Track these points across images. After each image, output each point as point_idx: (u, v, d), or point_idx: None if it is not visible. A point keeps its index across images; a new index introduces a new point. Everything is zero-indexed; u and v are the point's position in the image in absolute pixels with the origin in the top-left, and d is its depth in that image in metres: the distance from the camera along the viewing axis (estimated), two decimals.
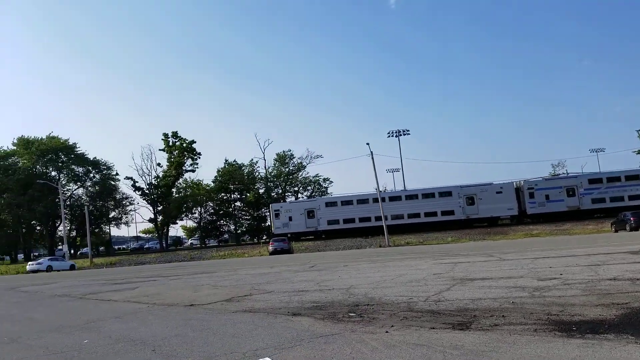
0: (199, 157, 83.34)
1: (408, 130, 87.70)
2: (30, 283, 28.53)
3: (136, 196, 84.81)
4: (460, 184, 58.26)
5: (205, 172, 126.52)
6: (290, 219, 60.18)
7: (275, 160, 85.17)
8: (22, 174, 75.96)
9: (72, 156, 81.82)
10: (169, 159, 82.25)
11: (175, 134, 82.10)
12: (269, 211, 66.19)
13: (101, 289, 19.77)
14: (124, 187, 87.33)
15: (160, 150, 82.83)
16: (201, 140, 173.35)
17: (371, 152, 46.60)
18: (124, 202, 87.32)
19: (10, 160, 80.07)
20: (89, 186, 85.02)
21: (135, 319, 10.95)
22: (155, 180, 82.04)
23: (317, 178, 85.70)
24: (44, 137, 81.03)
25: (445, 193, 57.15)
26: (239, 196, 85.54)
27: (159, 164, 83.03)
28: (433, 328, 7.68)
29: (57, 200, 68.44)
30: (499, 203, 54.75)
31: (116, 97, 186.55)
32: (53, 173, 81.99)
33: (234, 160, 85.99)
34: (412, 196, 58.67)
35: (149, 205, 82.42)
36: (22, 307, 15.79)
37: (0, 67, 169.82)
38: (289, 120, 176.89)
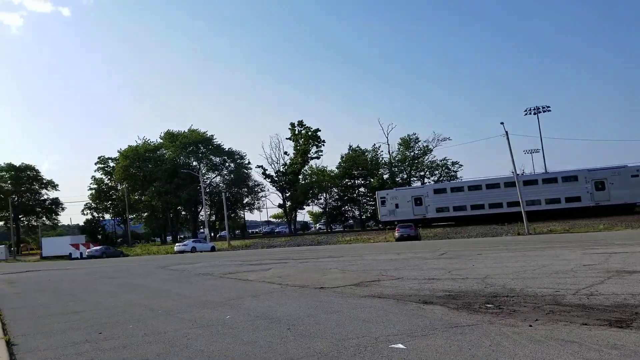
0: (324, 145, 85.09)
1: (548, 107, 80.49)
2: (177, 262, 31.44)
3: (266, 183, 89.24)
4: (587, 167, 52.58)
5: (330, 159, 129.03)
6: (396, 206, 58.02)
7: (400, 144, 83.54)
8: (169, 164, 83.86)
9: (210, 147, 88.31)
10: (295, 147, 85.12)
11: (300, 123, 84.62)
12: (376, 198, 64.06)
13: (238, 269, 21.11)
14: (256, 175, 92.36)
15: (287, 139, 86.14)
16: (325, 128, 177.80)
17: (506, 131, 43.18)
18: (256, 189, 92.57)
19: (158, 152, 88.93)
20: (225, 174, 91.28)
21: (270, 299, 11.45)
22: (283, 168, 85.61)
23: (445, 162, 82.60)
24: (186, 130, 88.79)
25: (570, 178, 51.79)
26: (362, 182, 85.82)
27: (285, 153, 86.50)
28: (585, 324, 6.94)
29: (199, 187, 74.63)
30: (635, 188, 48.47)
31: (245, 93, 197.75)
32: (194, 163, 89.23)
33: (357, 146, 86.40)
34: (531, 181, 53.30)
35: (278, 192, 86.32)
36: (173, 283, 17.38)
37: (152, 74, 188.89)
38: (413, 103, 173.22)
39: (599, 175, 50.58)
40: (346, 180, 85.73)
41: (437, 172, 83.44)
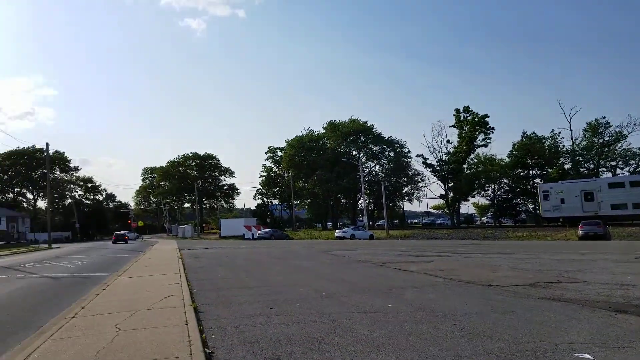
0: (492, 132, 79.98)
1: None
2: (338, 248, 32.45)
3: (427, 173, 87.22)
4: None
5: (501, 148, 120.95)
6: (562, 201, 51.49)
7: (585, 130, 73.51)
8: (330, 153, 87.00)
9: (370, 136, 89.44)
10: (459, 135, 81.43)
11: (467, 109, 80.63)
12: (537, 192, 57.62)
13: (398, 259, 20.95)
14: (416, 164, 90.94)
15: (450, 126, 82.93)
16: (495, 114, 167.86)
17: None
18: (415, 179, 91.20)
19: (321, 142, 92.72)
20: (385, 163, 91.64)
21: (433, 291, 11.09)
22: (445, 157, 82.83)
23: None
24: (347, 120, 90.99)
25: None
26: (538, 172, 78.63)
27: (449, 141, 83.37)
28: None
29: (358, 176, 76.11)
30: None
31: (404, 79, 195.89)
32: (354, 152, 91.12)
33: (533, 133, 79.32)
34: None
35: (439, 182, 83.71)
36: (334, 268, 17.93)
37: (318, 67, 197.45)
38: (603, 81, 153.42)
39: None
40: (519, 170, 79.52)
41: (632, 162, 72.87)
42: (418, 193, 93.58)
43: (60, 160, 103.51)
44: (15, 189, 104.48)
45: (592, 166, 73.94)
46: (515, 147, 78.67)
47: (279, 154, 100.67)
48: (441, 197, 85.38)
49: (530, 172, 79.21)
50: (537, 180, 74.69)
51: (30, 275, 18.90)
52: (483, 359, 5.65)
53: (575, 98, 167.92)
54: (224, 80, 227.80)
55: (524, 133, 79.55)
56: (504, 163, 79.83)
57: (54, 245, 55.19)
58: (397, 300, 9.87)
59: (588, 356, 5.67)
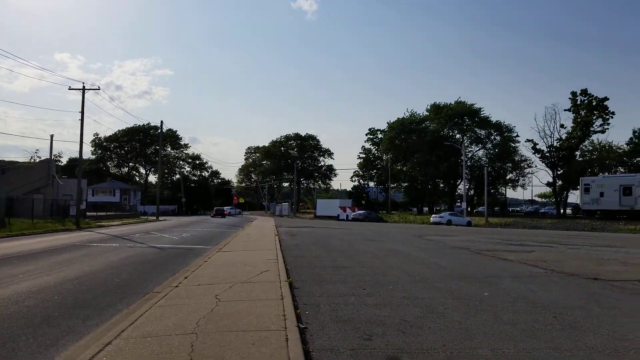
0: (612, 117, 73.35)
1: None
2: (433, 233, 31.86)
3: (535, 159, 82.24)
4: None
5: (619, 135, 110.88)
6: (601, 194, 52.34)
7: None
8: (431, 136, 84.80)
9: (477, 120, 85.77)
10: (574, 119, 75.65)
11: (584, 92, 74.52)
12: (579, 184, 57.78)
13: (496, 247, 20.19)
14: (523, 150, 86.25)
15: (565, 110, 77.28)
16: (615, 97, 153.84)
17: None
18: (522, 165, 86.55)
19: (423, 124, 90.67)
20: (490, 148, 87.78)
21: (532, 282, 10.62)
22: (557, 143, 77.55)
23: None
24: (453, 102, 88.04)
25: None
26: None
27: (562, 125, 77.86)
28: None
29: (460, 160, 73.68)
30: None
31: (515, 60, 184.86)
32: (457, 135, 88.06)
33: None
34: None
35: (547, 169, 78.68)
36: (428, 253, 17.69)
37: (422, 46, 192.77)
38: None
39: None
40: (638, 158, 72.86)
41: None
42: (523, 180, 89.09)
43: (172, 138, 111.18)
44: (130, 164, 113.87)
45: None
46: (637, 134, 71.80)
47: (379, 136, 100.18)
48: (548, 184, 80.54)
49: None
50: None
51: (139, 245, 20.58)
52: (583, 354, 5.38)
53: None
54: (330, 63, 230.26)
55: None
56: (622, 150, 73.27)
57: (161, 218, 59.72)
58: (493, 289, 9.59)
59: None
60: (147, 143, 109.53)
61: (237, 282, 9.88)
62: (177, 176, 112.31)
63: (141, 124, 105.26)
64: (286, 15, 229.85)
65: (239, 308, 7.41)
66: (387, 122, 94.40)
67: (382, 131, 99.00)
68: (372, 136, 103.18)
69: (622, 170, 73.02)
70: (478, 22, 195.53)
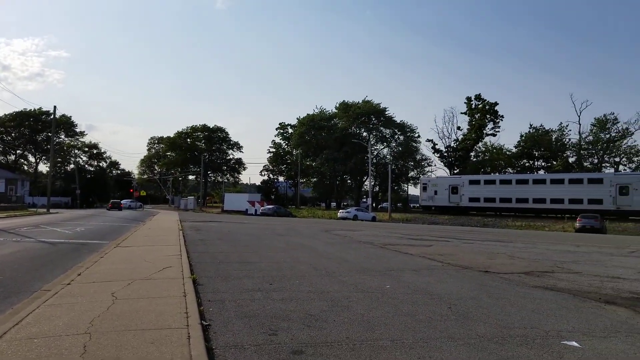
0: (501, 120, 79.88)
1: None
2: (340, 228, 32.63)
3: (435, 158, 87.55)
4: (614, 172, 53.42)
5: (509, 137, 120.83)
6: (435, 192, 60.87)
7: (593, 125, 73.94)
8: (340, 133, 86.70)
9: (382, 119, 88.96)
10: (469, 122, 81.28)
11: (478, 97, 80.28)
12: (419, 183, 67.19)
13: (398, 242, 21.11)
14: (424, 149, 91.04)
15: (461, 113, 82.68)
16: (505, 102, 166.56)
17: None
18: (422, 163, 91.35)
19: (332, 121, 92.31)
20: (394, 147, 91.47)
21: (430, 275, 11.21)
22: (454, 144, 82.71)
23: None
24: (360, 101, 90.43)
25: (595, 180, 52.33)
26: (544, 164, 78.74)
27: (459, 128, 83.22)
28: None
29: (366, 158, 76.06)
30: None
31: (422, 62, 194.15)
32: (364, 133, 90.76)
33: (541, 125, 79.28)
34: (557, 180, 54.61)
35: (445, 168, 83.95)
36: (335, 247, 18.06)
37: (337, 44, 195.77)
38: (616, 77, 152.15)
39: (625, 180, 50.25)
40: (524, 160, 79.64)
41: (636, 158, 72.67)
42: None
43: (66, 125, 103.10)
44: (18, 151, 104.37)
45: (596, 161, 73.90)
46: (523, 138, 78.61)
47: (290, 131, 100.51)
48: None
49: (535, 164, 79.24)
50: (541, 172, 74.83)
51: (27, 240, 18.91)
52: (475, 342, 5.75)
53: (587, 91, 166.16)
54: (239, 54, 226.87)
55: (531, 125, 79.92)
56: (510, 153, 79.78)
57: (52, 211, 55.22)
58: (395, 282, 9.99)
59: (575, 344, 5.80)
60: (37, 129, 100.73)
61: (136, 279, 9.43)
62: (72, 166, 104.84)
63: (32, 108, 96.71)
64: (195, 1, 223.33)
65: (138, 306, 7.07)
66: (297, 118, 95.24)
67: (292, 126, 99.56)
68: (282, 131, 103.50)
69: (511, 171, 79.56)
70: (385, 22, 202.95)
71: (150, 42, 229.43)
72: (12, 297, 8.20)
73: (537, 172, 76.29)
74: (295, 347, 5.37)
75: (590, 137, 74.28)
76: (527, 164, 79.67)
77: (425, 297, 8.42)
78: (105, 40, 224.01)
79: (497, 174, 66.30)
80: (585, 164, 72.98)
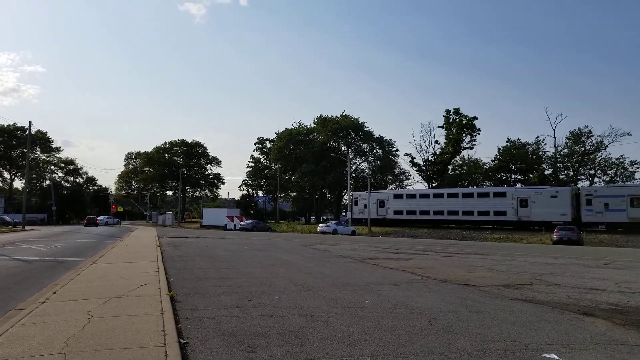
0: (478, 134, 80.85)
1: None
2: (319, 242, 32.53)
3: (413, 172, 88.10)
4: (516, 186, 59.85)
5: (485, 151, 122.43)
6: (365, 206, 63.05)
7: (568, 138, 75.11)
8: (318, 147, 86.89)
9: (361, 133, 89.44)
10: (447, 136, 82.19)
11: (457, 111, 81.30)
12: (350, 198, 71.19)
13: (378, 256, 21.12)
14: (402, 163, 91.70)
15: (439, 127, 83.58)
16: (482, 116, 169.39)
17: None
18: (401, 177, 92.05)
19: (311, 136, 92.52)
20: (372, 161, 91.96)
21: (410, 289, 11.21)
22: (432, 157, 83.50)
23: (621, 160, 72.66)
24: (339, 116, 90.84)
25: (500, 194, 57.11)
26: (521, 177, 79.75)
27: (436, 141, 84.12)
28: None
29: (345, 172, 76.39)
30: (553, 208, 51.74)
31: (399, 77, 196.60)
32: (343, 148, 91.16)
33: (517, 139, 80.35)
34: (468, 194, 59.75)
35: (424, 181, 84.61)
36: (315, 262, 17.98)
37: (316, 59, 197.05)
38: (590, 91, 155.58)
39: (524, 194, 55.05)
40: (501, 174, 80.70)
41: (610, 171, 74.13)
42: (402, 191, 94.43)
43: (42, 140, 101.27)
44: None
45: (571, 173, 75.28)
46: (500, 151, 79.78)
47: (268, 145, 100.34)
48: None
49: (513, 177, 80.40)
50: (518, 185, 75.97)
51: (1, 257, 18.51)
52: (455, 356, 5.75)
53: (562, 106, 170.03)
54: (218, 69, 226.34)
55: (508, 139, 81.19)
56: (487, 166, 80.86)
57: (28, 227, 54.12)
58: (375, 296, 9.96)
59: (555, 356, 5.84)
60: (12, 145, 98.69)
61: (113, 296, 9.23)
62: (48, 182, 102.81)
63: (6, 124, 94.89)
64: (173, 16, 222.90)
65: (115, 324, 6.92)
66: (276, 132, 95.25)
67: (271, 141, 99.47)
68: (261, 145, 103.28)
69: (488, 183, 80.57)
70: (364, 37, 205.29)
71: (128, 58, 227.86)
72: None
73: (514, 184, 77.46)
74: None
75: (566, 150, 75.72)
76: (504, 177, 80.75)
77: (405, 312, 8.41)
78: (82, 55, 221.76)
79: (514, 187, 67.42)
80: (561, 176, 74.23)
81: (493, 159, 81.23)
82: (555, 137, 78.41)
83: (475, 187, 68.05)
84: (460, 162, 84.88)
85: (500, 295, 10.60)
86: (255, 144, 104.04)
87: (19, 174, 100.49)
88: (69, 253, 21.66)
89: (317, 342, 6.23)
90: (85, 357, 5.37)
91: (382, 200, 64.90)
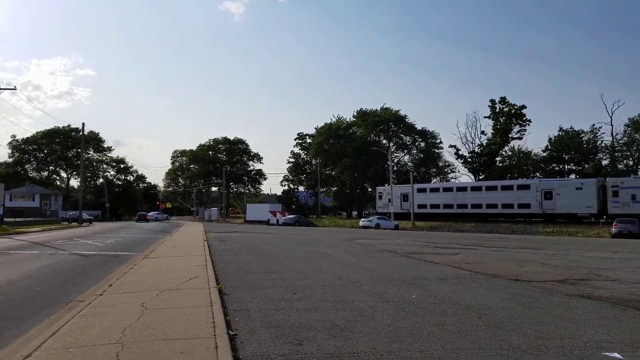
0: (528, 124, 77.83)
1: None
2: (362, 237, 32.37)
3: (458, 164, 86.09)
4: (540, 179, 59.15)
5: (534, 141, 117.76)
6: (389, 200, 63.17)
7: (627, 125, 71.11)
8: (359, 141, 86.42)
9: (402, 126, 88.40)
10: (494, 126, 79.60)
11: (503, 100, 78.54)
12: (375, 192, 72.08)
13: (423, 250, 20.79)
14: (447, 155, 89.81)
15: (485, 117, 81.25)
16: (530, 107, 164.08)
17: None
18: (445, 170, 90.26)
19: (350, 130, 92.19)
20: (415, 154, 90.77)
21: (458, 284, 10.96)
22: (478, 149, 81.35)
23: None
24: (379, 109, 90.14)
25: (524, 186, 56.47)
26: (575, 168, 76.40)
27: (483, 132, 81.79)
28: None
29: (386, 165, 75.57)
30: (578, 200, 51.06)
31: (440, 67, 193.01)
32: (384, 141, 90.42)
33: (571, 127, 76.66)
34: (492, 187, 59.43)
35: (470, 174, 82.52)
36: (358, 256, 17.88)
37: (355, 53, 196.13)
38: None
39: (549, 186, 54.17)
40: (553, 164, 77.61)
41: None
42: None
43: (94, 141, 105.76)
44: (50, 167, 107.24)
45: (631, 163, 71.42)
46: (552, 141, 76.61)
47: (308, 140, 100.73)
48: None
49: (566, 167, 77.06)
50: (573, 176, 72.97)
51: (61, 252, 19.39)
52: (508, 353, 5.55)
53: (619, 92, 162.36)
54: (258, 65, 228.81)
55: (560, 128, 77.69)
56: (538, 157, 77.87)
57: (83, 224, 56.69)
58: (421, 291, 9.79)
59: (618, 355, 5.51)
60: (68, 146, 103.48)
61: (164, 289, 9.47)
62: (101, 180, 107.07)
63: (62, 125, 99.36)
64: (214, 15, 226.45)
65: (167, 316, 7.09)
66: (315, 128, 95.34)
67: (310, 136, 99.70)
68: (301, 141, 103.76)
69: (539, 175, 77.76)
70: (403, 28, 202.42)
71: (172, 58, 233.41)
72: (48, 308, 8.35)
73: (567, 177, 74.55)
74: (322, 358, 5.27)
75: (625, 139, 71.90)
76: (556, 168, 77.58)
77: (453, 307, 8.21)
78: (129, 57, 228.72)
79: (523, 179, 65.68)
80: (619, 166, 70.53)
81: (544, 149, 78.23)
82: (612, 125, 74.76)
83: (499, 180, 66.90)
84: (509, 154, 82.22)
85: (555, 290, 10.20)
86: (295, 140, 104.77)
87: (75, 173, 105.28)
88: (123, 248, 22.44)
89: (363, 337, 6.15)
90: (141, 347, 5.52)
91: (405, 195, 64.59)
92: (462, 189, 62.01)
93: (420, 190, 64.77)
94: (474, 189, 60.78)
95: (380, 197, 68.84)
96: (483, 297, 9.20)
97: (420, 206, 62.54)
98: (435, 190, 65.04)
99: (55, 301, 9.02)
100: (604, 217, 50.06)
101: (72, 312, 7.46)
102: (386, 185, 68.62)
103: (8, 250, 19.93)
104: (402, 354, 5.46)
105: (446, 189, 64.04)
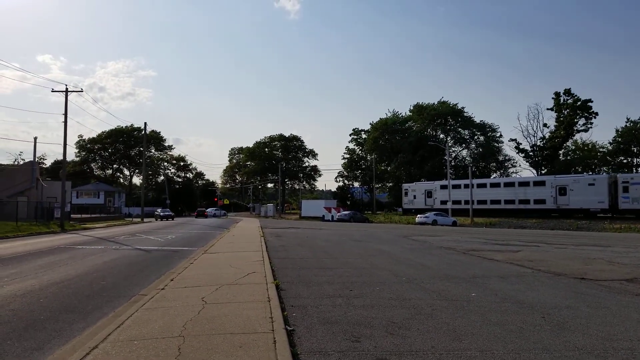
0: (595, 117, 74.19)
1: None
2: (419, 233, 31.92)
3: (519, 158, 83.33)
4: (555, 175, 59.96)
5: (600, 134, 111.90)
6: (414, 197, 67.58)
7: None
8: (415, 136, 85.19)
9: (460, 120, 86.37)
10: (557, 119, 76.28)
11: (567, 92, 75.12)
12: (402, 189, 73.88)
13: (482, 247, 20.26)
14: (507, 149, 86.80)
15: (548, 109, 77.91)
16: (596, 98, 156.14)
17: None
18: (505, 164, 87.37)
19: (407, 124, 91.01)
20: (473, 148, 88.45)
21: (520, 282, 10.63)
22: (540, 142, 78.21)
23: None
24: (436, 103, 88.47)
25: (540, 182, 57.74)
26: None
27: (545, 125, 78.54)
28: None
29: (443, 160, 74.17)
30: (591, 195, 52.12)
31: (498, 60, 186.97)
32: (441, 135, 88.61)
33: (639, 118, 72.39)
34: (509, 184, 60.84)
35: (531, 168, 79.46)
36: (415, 253, 17.67)
37: (405, 47, 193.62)
38: None
39: (563, 182, 54.98)
40: (621, 157, 73.60)
41: None
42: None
43: (155, 139, 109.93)
44: (114, 166, 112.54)
45: None
46: (619, 133, 72.59)
47: (363, 136, 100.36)
48: None
49: (635, 160, 72.82)
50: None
51: (125, 247, 20.28)
52: (573, 355, 5.35)
53: None
54: (312, 63, 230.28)
55: (628, 119, 73.44)
56: (604, 150, 73.99)
57: (146, 220, 59.22)
58: (481, 289, 9.58)
59: None
60: (130, 145, 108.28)
61: (223, 284, 9.74)
62: (162, 178, 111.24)
63: (125, 125, 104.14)
64: (269, 14, 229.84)
65: (226, 310, 7.30)
66: (370, 123, 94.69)
67: (365, 131, 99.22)
68: (356, 136, 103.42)
69: (605, 169, 73.93)
70: (457, 22, 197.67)
71: (229, 57, 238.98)
72: (114, 301, 8.78)
73: (636, 170, 70.46)
74: (379, 355, 5.27)
75: None
76: (624, 161, 73.44)
77: (515, 306, 7.98)
78: (188, 58, 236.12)
79: (553, 176, 63.25)
80: None
81: (611, 141, 74.23)
82: None
83: (519, 176, 68.17)
84: (574, 147, 78.57)
85: (623, 290, 9.71)
86: (350, 135, 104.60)
87: (137, 170, 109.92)
88: (183, 243, 23.24)
89: (421, 335, 6.11)
90: (202, 340, 5.71)
91: (429, 191, 67.18)
92: (482, 185, 62.73)
93: (443, 187, 65.07)
94: (493, 185, 62.24)
95: (406, 193, 70.86)
96: (546, 296, 8.89)
97: (442, 202, 63.11)
98: (456, 187, 64.68)
99: (120, 294, 9.47)
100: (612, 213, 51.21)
101: (136, 306, 7.80)
102: (445, 180, 67.48)
103: (75, 245, 21.08)
104: (462, 353, 5.39)
105: (467, 186, 62.47)
